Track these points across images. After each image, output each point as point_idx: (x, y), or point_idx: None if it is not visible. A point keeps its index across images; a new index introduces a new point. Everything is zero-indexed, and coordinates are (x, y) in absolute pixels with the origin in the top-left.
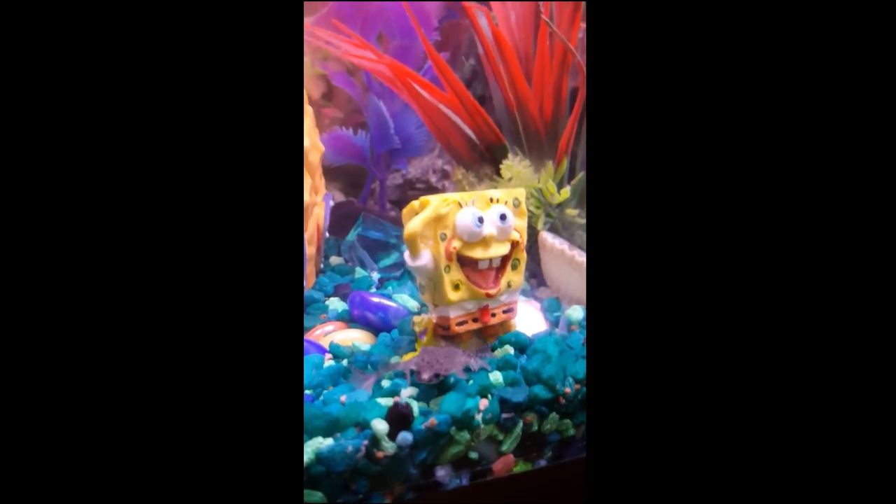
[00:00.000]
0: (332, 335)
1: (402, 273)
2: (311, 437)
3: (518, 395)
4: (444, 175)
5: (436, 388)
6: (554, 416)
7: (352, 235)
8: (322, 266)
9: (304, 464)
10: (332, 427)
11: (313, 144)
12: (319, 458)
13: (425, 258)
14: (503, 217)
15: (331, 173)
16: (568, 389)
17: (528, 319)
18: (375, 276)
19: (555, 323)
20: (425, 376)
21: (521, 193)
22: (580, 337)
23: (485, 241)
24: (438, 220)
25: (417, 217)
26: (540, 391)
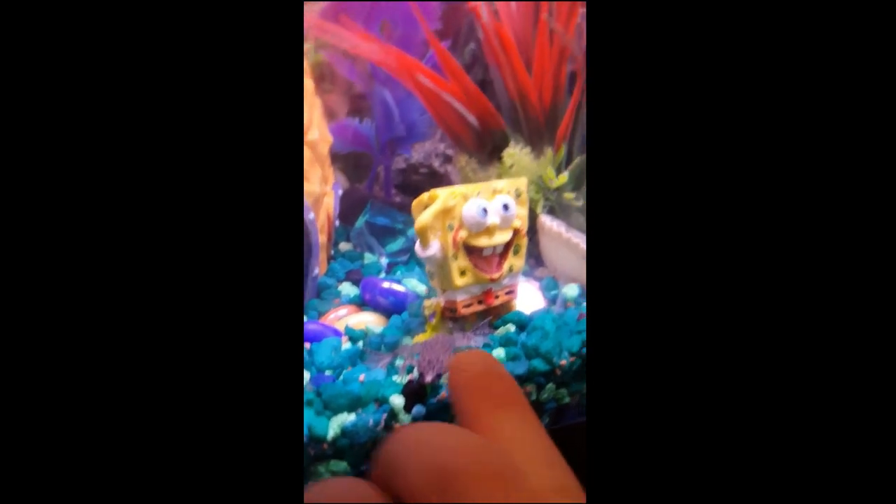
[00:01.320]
0: (345, 319)
1: (408, 258)
2: (335, 413)
3: (519, 369)
4: (447, 159)
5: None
6: (551, 386)
7: (360, 222)
8: (332, 252)
9: (330, 438)
10: (354, 403)
11: (322, 136)
12: (344, 432)
13: (435, 248)
14: (506, 207)
15: (333, 157)
16: (563, 362)
17: (528, 297)
18: (384, 261)
19: (552, 300)
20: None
21: (522, 183)
22: (575, 313)
23: (489, 230)
24: (446, 212)
25: (427, 210)
26: (538, 364)
